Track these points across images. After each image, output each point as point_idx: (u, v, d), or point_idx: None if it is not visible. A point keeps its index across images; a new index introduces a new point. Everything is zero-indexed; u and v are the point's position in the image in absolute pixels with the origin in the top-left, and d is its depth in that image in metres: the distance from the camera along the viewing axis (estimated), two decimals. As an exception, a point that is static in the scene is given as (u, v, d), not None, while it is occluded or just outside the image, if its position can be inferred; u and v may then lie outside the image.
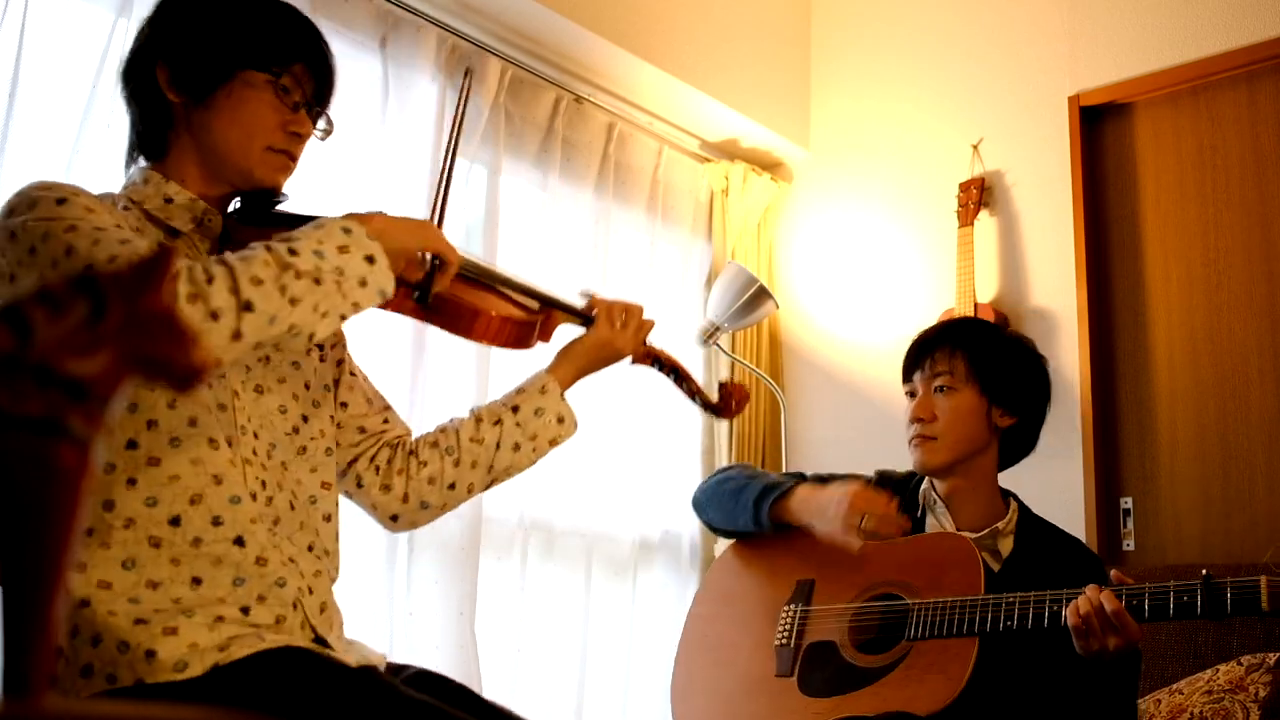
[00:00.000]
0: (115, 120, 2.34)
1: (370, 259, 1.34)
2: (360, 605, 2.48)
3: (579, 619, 3.15)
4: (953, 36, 3.71)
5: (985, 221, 3.50)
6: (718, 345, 3.47)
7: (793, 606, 2.11)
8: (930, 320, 3.45)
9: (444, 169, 1.65)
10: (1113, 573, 1.84)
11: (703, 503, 2.32)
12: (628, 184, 3.54)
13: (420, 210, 2.86)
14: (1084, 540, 3.10)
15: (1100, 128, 3.41)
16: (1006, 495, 2.17)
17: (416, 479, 1.62)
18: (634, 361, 1.79)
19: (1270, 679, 2.11)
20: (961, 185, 3.52)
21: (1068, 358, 3.28)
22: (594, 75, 3.43)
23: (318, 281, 1.28)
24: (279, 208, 1.54)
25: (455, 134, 1.67)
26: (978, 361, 2.09)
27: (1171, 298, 3.22)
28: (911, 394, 2.15)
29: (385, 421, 1.66)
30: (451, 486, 1.63)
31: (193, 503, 1.32)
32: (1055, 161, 3.40)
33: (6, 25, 2.21)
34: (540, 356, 1.75)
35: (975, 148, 3.57)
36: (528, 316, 1.66)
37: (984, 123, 3.58)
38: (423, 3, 2.96)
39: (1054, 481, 3.21)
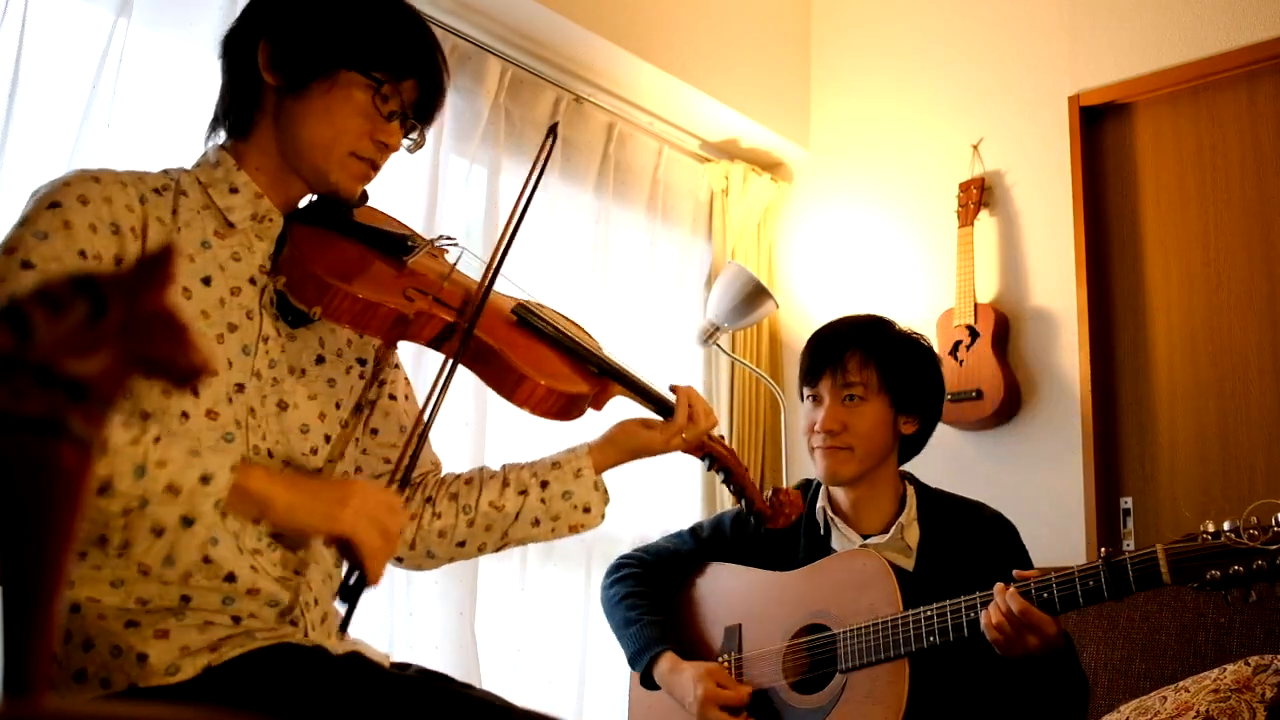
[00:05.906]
0: (115, 120, 2.34)
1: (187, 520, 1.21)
2: (360, 605, 2.47)
3: (579, 619, 3.15)
4: (953, 36, 3.71)
5: (985, 221, 3.50)
6: (718, 345, 3.47)
7: (727, 656, 2.10)
8: (930, 320, 3.46)
9: (512, 216, 1.49)
10: (1015, 572, 1.82)
11: (602, 607, 2.33)
12: (628, 184, 3.54)
13: (418, 211, 2.86)
14: (1083, 538, 3.11)
15: (1100, 128, 3.40)
16: (902, 478, 2.16)
17: (427, 529, 1.56)
18: (686, 451, 1.69)
19: (1278, 680, 2.11)
20: (961, 185, 3.52)
21: (1068, 358, 3.28)
22: (594, 75, 3.43)
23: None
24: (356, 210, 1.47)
25: (530, 187, 1.51)
26: (889, 372, 2.09)
27: (1171, 298, 3.22)
28: (815, 398, 2.13)
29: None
30: (461, 544, 1.58)
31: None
32: (1055, 161, 3.40)
33: (6, 25, 2.21)
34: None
35: (975, 148, 3.57)
36: (581, 390, 1.54)
37: (984, 123, 3.58)
38: (423, 3, 2.95)
39: (1054, 481, 3.22)
